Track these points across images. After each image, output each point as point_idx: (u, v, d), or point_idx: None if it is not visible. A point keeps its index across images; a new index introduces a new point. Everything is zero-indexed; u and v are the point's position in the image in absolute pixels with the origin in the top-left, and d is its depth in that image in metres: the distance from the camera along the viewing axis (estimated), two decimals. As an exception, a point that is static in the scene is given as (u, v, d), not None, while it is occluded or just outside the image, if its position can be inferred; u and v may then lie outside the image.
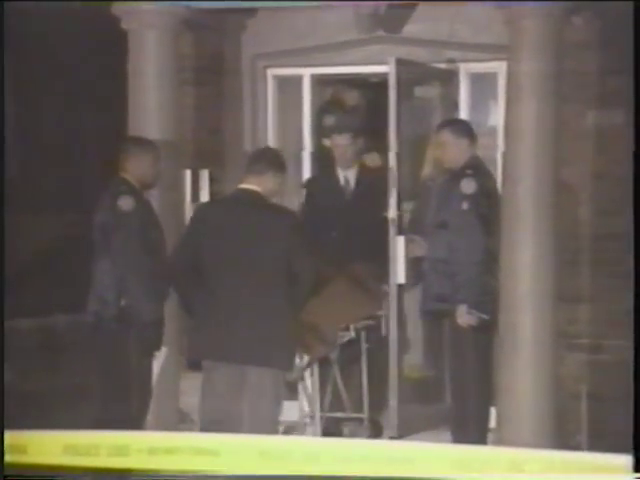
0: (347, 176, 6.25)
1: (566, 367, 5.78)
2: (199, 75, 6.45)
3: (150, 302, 5.15)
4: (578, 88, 5.85)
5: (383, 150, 6.18)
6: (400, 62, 5.91)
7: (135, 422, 5.01)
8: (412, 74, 6.13)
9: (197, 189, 6.16)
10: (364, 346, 5.78)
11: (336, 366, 5.72)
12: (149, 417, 5.31)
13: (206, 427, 4.77)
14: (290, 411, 5.62)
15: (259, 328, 4.75)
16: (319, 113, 6.85)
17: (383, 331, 5.77)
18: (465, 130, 5.73)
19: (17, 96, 9.58)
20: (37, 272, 8.05)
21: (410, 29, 6.30)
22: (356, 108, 7.57)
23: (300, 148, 6.63)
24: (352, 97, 7.48)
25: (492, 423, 5.69)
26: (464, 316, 5.47)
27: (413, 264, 5.82)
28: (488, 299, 5.51)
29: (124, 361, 5.13)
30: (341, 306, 5.53)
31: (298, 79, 6.63)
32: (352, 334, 5.63)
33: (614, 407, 5.48)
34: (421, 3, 6.16)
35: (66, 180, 9.37)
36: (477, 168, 5.66)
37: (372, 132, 6.97)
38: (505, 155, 5.73)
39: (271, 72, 6.64)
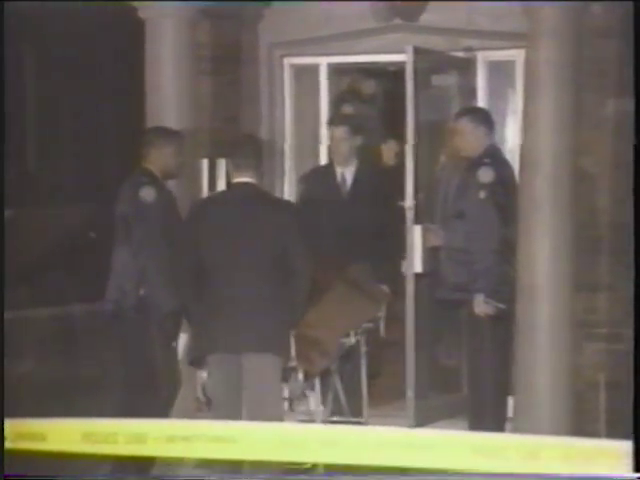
0: (344, 173, 5.97)
1: (584, 356, 5.76)
2: (216, 64, 6.45)
3: (169, 293, 5.15)
4: (597, 76, 5.80)
5: (400, 139, 6.17)
6: (417, 51, 5.88)
7: (161, 411, 5.01)
8: (429, 63, 6.10)
9: (214, 178, 6.16)
10: (363, 349, 5.61)
11: (336, 374, 5.53)
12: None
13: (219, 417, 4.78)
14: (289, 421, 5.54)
15: (257, 317, 4.77)
16: (336, 102, 6.84)
17: (382, 332, 5.64)
18: (483, 118, 5.71)
19: (37, 90, 9.62)
20: (55, 263, 8.09)
21: (427, 17, 6.27)
22: (373, 97, 7.55)
23: (317, 136, 6.61)
24: (369, 86, 7.46)
25: (509, 412, 5.69)
26: (481, 305, 5.45)
27: (429, 253, 5.81)
28: (505, 288, 5.50)
29: (143, 350, 5.14)
30: (341, 314, 5.31)
31: (315, 68, 6.62)
32: (352, 340, 5.46)
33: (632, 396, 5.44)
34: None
35: (84, 171, 9.41)
36: (495, 157, 5.64)
37: (389, 121, 6.97)
38: (523, 144, 5.70)
39: (288, 61, 6.63)
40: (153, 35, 5.93)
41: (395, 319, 5.92)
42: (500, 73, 6.36)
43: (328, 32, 6.42)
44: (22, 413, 3.17)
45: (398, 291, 5.86)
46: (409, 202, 5.86)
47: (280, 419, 4.78)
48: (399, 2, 6.25)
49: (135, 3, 5.98)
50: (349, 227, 5.79)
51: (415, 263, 5.82)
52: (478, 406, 5.55)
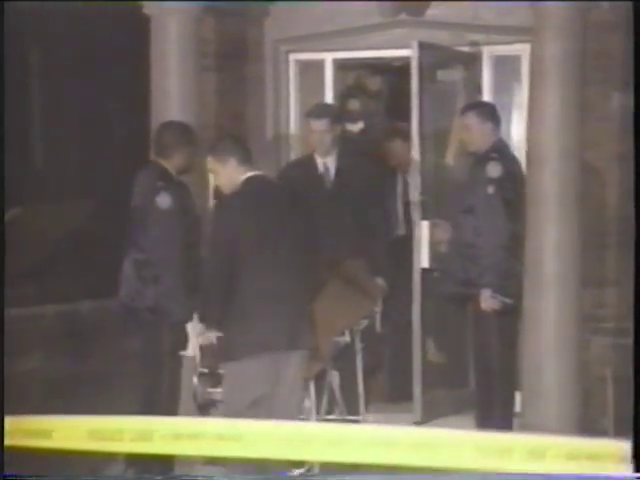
0: (326, 163, 5.74)
1: (592, 351, 5.74)
2: (221, 61, 6.44)
3: (181, 301, 5.09)
4: (603, 70, 5.78)
5: (405, 134, 6.15)
6: (423, 46, 5.87)
7: (163, 412, 4.99)
8: (435, 58, 6.08)
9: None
10: (359, 346, 5.47)
11: (332, 373, 5.38)
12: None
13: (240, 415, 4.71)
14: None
15: (291, 313, 4.67)
16: (342, 98, 6.82)
17: (378, 327, 5.51)
18: (490, 113, 5.69)
19: (42, 88, 9.63)
20: (62, 259, 8.09)
21: (433, 12, 6.25)
22: (379, 93, 7.53)
23: None
24: (375, 82, 7.44)
25: (517, 408, 5.68)
26: (488, 300, 5.44)
27: (434, 248, 5.80)
28: (512, 283, 5.48)
29: (151, 353, 5.12)
30: (336, 314, 5.07)
31: (320, 64, 6.60)
32: (347, 338, 5.30)
33: (640, 391, 5.43)
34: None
35: (90, 168, 9.40)
36: (502, 151, 5.63)
37: (394, 116, 6.95)
38: (529, 138, 5.68)
39: (293, 57, 6.62)
40: (158, 32, 5.92)
41: (392, 313, 5.84)
42: (506, 68, 6.34)
43: (333, 28, 6.41)
44: (28, 410, 3.16)
45: (394, 284, 5.74)
46: (416, 197, 5.85)
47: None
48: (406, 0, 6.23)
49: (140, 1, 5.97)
50: (336, 218, 5.61)
51: (422, 258, 5.82)
52: (485, 401, 5.54)
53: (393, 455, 2.38)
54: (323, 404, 5.32)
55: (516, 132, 6.34)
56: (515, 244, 5.49)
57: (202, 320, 4.91)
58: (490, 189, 5.46)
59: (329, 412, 5.43)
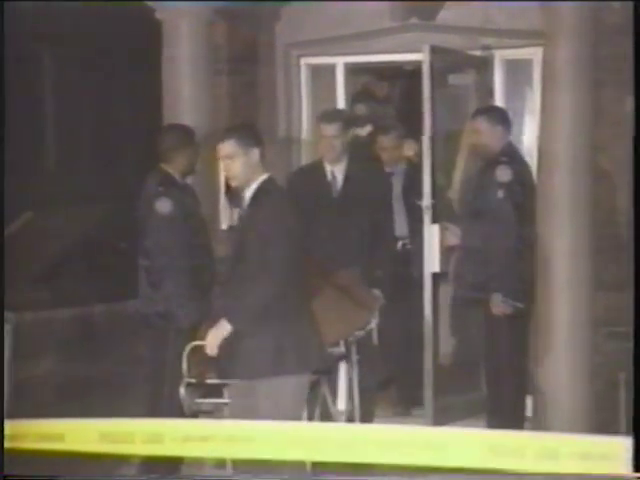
0: (334, 171, 5.54)
1: (604, 355, 5.71)
2: (233, 64, 6.44)
3: (185, 306, 5.06)
4: (615, 73, 5.76)
5: (417, 138, 6.14)
6: (434, 49, 5.86)
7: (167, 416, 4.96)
8: (446, 61, 6.07)
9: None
10: (355, 358, 5.22)
11: (325, 385, 5.12)
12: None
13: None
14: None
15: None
16: (351, 102, 6.81)
17: (375, 340, 5.26)
18: (500, 117, 5.67)
19: (55, 91, 9.65)
20: (75, 263, 8.11)
21: (444, 16, 6.24)
22: (387, 97, 7.51)
23: None
24: (382, 86, 7.44)
25: (528, 412, 5.65)
26: (498, 305, 5.42)
27: (446, 252, 5.77)
28: (523, 288, 5.46)
29: (158, 358, 5.10)
30: (330, 323, 4.77)
31: (332, 68, 6.59)
32: (342, 349, 5.03)
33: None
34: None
35: (103, 172, 9.43)
36: (512, 156, 5.61)
37: (406, 120, 6.93)
38: (541, 142, 5.66)
39: (305, 61, 6.61)
40: (170, 36, 5.92)
41: (390, 325, 5.59)
42: (517, 71, 6.32)
43: (345, 32, 6.40)
44: (41, 413, 3.16)
45: (392, 296, 5.49)
46: (427, 201, 5.84)
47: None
48: (416, 1, 6.22)
49: (151, 3, 5.97)
50: (341, 228, 5.44)
51: (433, 263, 5.79)
52: (496, 405, 5.52)
53: (406, 455, 2.37)
54: (316, 415, 5.09)
55: (528, 136, 6.32)
56: (525, 248, 5.47)
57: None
58: (500, 193, 5.44)
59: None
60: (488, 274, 5.44)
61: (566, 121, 5.48)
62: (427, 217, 5.83)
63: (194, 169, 5.40)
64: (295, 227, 4.42)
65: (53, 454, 3.01)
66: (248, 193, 4.46)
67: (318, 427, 2.56)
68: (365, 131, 6.94)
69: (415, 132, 6.27)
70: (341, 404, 5.64)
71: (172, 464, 4.67)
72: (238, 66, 6.46)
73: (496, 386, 5.54)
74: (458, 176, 6.25)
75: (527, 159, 5.83)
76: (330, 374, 5.10)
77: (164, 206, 5.09)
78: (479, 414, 5.73)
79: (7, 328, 5.24)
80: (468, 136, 5.98)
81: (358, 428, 2.50)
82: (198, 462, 4.53)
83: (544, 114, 5.59)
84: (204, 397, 4.71)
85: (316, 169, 5.61)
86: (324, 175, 5.55)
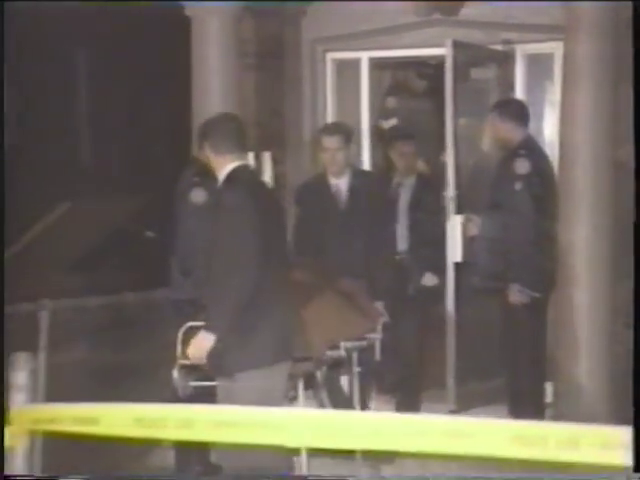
0: (338, 184, 5.36)
1: (623, 344, 5.68)
2: (260, 59, 6.44)
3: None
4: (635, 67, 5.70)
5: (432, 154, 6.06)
6: (457, 44, 5.84)
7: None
8: (469, 56, 6.04)
9: (260, 171, 6.16)
10: (356, 369, 4.97)
11: (324, 390, 4.91)
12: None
13: None
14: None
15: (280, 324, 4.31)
16: (384, 95, 6.78)
17: (377, 355, 4.95)
18: (518, 111, 5.64)
19: (89, 88, 9.71)
20: (108, 253, 8.16)
21: (467, 11, 6.21)
22: (421, 93, 7.47)
23: (358, 129, 6.57)
24: (417, 82, 7.40)
25: (549, 398, 5.63)
26: (516, 294, 5.40)
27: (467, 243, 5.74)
28: (540, 278, 5.43)
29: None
30: (330, 320, 4.63)
31: (356, 62, 6.59)
32: (342, 353, 4.74)
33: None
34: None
35: (135, 165, 9.48)
36: (531, 148, 5.58)
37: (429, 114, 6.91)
38: (562, 135, 5.62)
39: (330, 56, 6.61)
40: (199, 32, 5.93)
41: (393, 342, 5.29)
42: (538, 66, 6.28)
43: (369, 27, 6.39)
44: (76, 397, 3.18)
45: (395, 310, 5.27)
46: (450, 192, 5.83)
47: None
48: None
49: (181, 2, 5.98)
50: (346, 241, 5.26)
51: (455, 252, 5.79)
52: (516, 392, 5.50)
53: (429, 443, 2.37)
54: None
55: (548, 129, 6.28)
56: (542, 240, 5.44)
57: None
58: (518, 185, 5.42)
59: None
60: (506, 264, 5.42)
61: (586, 114, 5.44)
62: (451, 208, 5.82)
63: None
64: (263, 215, 4.14)
65: (88, 438, 3.03)
66: (221, 177, 4.30)
67: (342, 415, 2.56)
68: (389, 124, 6.91)
69: (432, 147, 6.23)
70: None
71: (203, 449, 4.68)
72: (265, 61, 6.46)
73: (515, 373, 5.53)
74: (480, 168, 6.23)
75: (547, 152, 5.80)
76: (321, 368, 4.81)
77: (198, 196, 5.12)
78: (500, 401, 5.72)
79: (43, 314, 5.29)
80: (488, 129, 5.95)
81: (380, 416, 2.49)
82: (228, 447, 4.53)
83: (564, 107, 5.55)
84: (198, 380, 4.50)
85: (321, 182, 5.42)
86: (328, 188, 5.38)
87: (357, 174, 5.44)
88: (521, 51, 6.23)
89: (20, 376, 3.01)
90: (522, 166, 5.43)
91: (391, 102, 6.91)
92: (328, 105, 6.61)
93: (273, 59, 6.48)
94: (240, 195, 4.18)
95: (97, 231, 8.30)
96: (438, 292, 5.87)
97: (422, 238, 5.83)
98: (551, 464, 2.31)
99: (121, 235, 8.51)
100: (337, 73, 6.64)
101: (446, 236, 5.83)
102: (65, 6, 8.01)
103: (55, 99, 9.27)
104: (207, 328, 4.18)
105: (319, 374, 4.80)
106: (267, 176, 6.13)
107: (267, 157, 6.20)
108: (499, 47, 6.24)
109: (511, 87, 6.25)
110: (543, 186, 5.48)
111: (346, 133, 5.38)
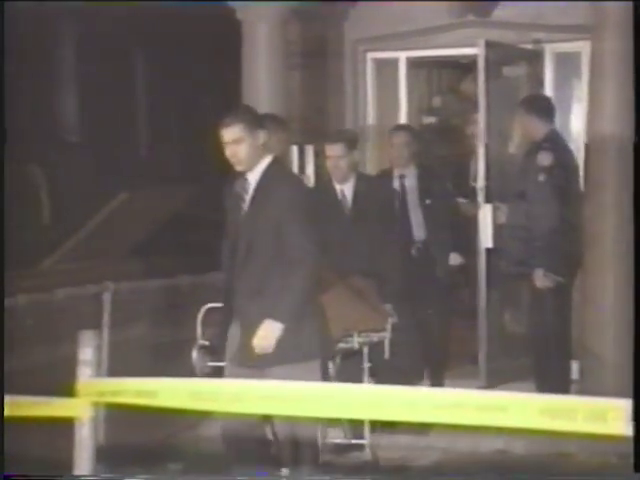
0: (344, 190, 5.18)
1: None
2: (305, 59, 6.45)
3: None
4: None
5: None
6: (489, 44, 5.81)
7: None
8: (500, 55, 6.01)
9: (303, 163, 6.18)
10: (366, 364, 4.75)
11: (336, 382, 4.46)
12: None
13: None
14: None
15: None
16: (432, 94, 6.74)
17: (387, 354, 4.74)
18: (544, 106, 5.62)
19: (147, 87, 9.78)
20: (166, 239, 8.23)
21: (498, 13, 6.18)
22: (473, 94, 7.38)
23: (365, 133, 6.52)
24: (466, 83, 7.34)
25: (575, 375, 5.60)
26: (541, 279, 5.39)
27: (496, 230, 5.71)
28: (563, 263, 5.41)
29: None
30: (343, 310, 4.42)
31: (395, 62, 6.59)
32: (355, 344, 4.56)
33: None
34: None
35: (190, 157, 9.54)
36: (555, 141, 5.55)
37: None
38: (589, 130, 5.58)
39: (370, 55, 6.61)
40: (249, 34, 5.95)
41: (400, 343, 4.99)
42: (567, 63, 6.23)
43: (407, 28, 6.37)
44: (136, 372, 3.22)
45: (403, 312, 5.02)
46: (481, 183, 5.81)
47: None
48: (473, 0, 6.16)
49: (231, 3, 5.99)
50: (354, 245, 5.06)
51: (487, 239, 5.77)
52: (543, 370, 5.49)
53: (461, 416, 2.37)
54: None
55: (575, 124, 6.23)
56: (565, 227, 5.41)
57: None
58: (541, 177, 5.40)
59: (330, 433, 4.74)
60: (531, 251, 5.40)
61: (612, 109, 5.38)
62: (481, 197, 5.80)
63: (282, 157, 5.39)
64: (308, 206, 4.04)
65: (146, 409, 3.06)
66: (253, 177, 4.15)
67: (380, 389, 2.55)
68: (429, 120, 6.87)
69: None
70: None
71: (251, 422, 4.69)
72: (310, 61, 6.46)
73: (541, 352, 5.52)
74: (509, 160, 6.19)
75: (573, 145, 5.76)
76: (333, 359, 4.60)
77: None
78: (528, 377, 5.70)
79: (107, 295, 5.35)
80: (518, 124, 5.92)
81: (411, 390, 2.49)
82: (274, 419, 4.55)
83: (591, 103, 5.51)
84: (215, 360, 4.34)
85: (327, 189, 5.25)
86: (335, 194, 5.20)
87: (361, 179, 5.24)
88: (550, 50, 6.19)
89: (86, 352, 3.05)
90: (545, 158, 5.40)
91: (436, 101, 6.87)
92: (368, 102, 6.61)
93: (317, 59, 6.48)
94: (302, 187, 4.14)
95: (154, 219, 8.37)
96: (466, 273, 5.80)
97: (438, 222, 5.70)
98: (578, 435, 2.29)
99: (177, 222, 8.57)
100: (377, 72, 6.64)
101: (460, 218, 5.82)
102: (123, 8, 8.06)
103: (114, 99, 9.35)
104: (275, 317, 3.94)
105: (332, 365, 4.53)
106: (309, 169, 6.14)
107: (310, 150, 6.21)
108: (529, 46, 6.20)
109: (541, 84, 6.20)
110: (566, 177, 5.44)
111: (349, 140, 5.21)
